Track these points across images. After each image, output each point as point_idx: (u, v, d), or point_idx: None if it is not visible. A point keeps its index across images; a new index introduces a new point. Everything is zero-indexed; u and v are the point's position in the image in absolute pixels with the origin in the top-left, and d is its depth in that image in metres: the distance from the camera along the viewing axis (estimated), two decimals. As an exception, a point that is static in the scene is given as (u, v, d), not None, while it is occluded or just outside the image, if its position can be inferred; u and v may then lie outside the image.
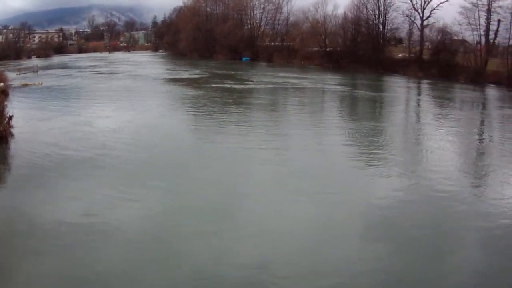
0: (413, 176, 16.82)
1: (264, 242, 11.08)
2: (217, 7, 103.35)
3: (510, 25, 75.03)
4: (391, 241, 11.43)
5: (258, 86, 43.29)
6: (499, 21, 76.37)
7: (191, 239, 11.15)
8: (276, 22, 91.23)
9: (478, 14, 73.90)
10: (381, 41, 71.24)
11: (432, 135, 25.17)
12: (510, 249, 11.42)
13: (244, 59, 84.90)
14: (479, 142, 25.56)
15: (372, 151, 20.37)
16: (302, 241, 11.19)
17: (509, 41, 76.06)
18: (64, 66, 70.81)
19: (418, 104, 41.07)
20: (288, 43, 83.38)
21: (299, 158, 18.40)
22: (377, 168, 17.65)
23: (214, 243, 10.97)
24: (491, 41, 77.04)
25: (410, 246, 11.28)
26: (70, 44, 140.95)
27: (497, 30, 76.83)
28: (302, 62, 74.32)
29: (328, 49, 73.47)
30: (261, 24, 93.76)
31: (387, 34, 73.02)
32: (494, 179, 17.48)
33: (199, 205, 13.34)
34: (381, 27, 72.07)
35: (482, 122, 34.11)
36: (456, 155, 21.44)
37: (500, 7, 74.27)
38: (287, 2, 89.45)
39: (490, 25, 75.73)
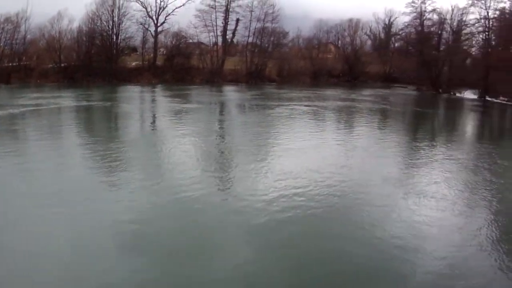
0: (160, 187, 16.42)
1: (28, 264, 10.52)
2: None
3: (250, 23, 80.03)
4: (146, 253, 11.20)
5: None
6: (237, 20, 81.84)
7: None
8: (14, 41, 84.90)
9: (216, 16, 78.35)
10: (115, 51, 71.11)
11: (174, 142, 24.94)
12: (269, 245, 11.96)
13: (-18, 83, 77.38)
14: (218, 143, 25.93)
15: (115, 169, 18.95)
16: (60, 261, 10.75)
17: (248, 38, 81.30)
18: None
19: (153, 113, 41.12)
20: (25, 62, 78.19)
21: (54, 183, 16.94)
22: (123, 185, 16.69)
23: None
24: (229, 40, 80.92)
25: (165, 256, 11.18)
26: None
27: (235, 29, 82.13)
28: (38, 81, 69.79)
29: (63, 65, 70.38)
30: (0, 45, 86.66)
31: (121, 44, 73.24)
32: (239, 177, 18.03)
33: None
34: (114, 38, 71.90)
35: (220, 122, 35.75)
36: (199, 158, 21.64)
37: (240, 6, 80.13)
38: (25, 20, 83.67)
39: (228, 25, 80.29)
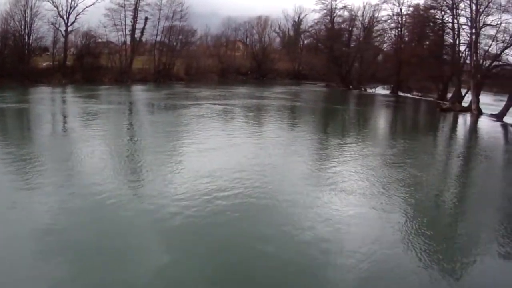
0: (76, 192, 16.33)
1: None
2: None
3: (158, 22, 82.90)
4: (62, 257, 11.29)
5: None
6: (146, 18, 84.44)
7: None
8: None
9: (125, 14, 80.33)
10: (26, 52, 72.84)
11: (89, 145, 24.41)
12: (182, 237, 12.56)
13: None
14: (134, 145, 25.83)
15: (32, 174, 18.61)
16: None
17: (156, 37, 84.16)
18: None
19: (67, 115, 40.89)
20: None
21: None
22: (38, 190, 16.51)
23: None
24: (138, 39, 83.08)
25: (83, 259, 11.26)
26: None
27: (143, 28, 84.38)
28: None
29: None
30: None
31: (33, 44, 74.97)
32: (158, 180, 17.91)
33: None
34: (26, 38, 73.68)
35: (134, 123, 35.89)
36: (116, 161, 21.25)
37: (148, 4, 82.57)
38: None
39: (137, 24, 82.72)
